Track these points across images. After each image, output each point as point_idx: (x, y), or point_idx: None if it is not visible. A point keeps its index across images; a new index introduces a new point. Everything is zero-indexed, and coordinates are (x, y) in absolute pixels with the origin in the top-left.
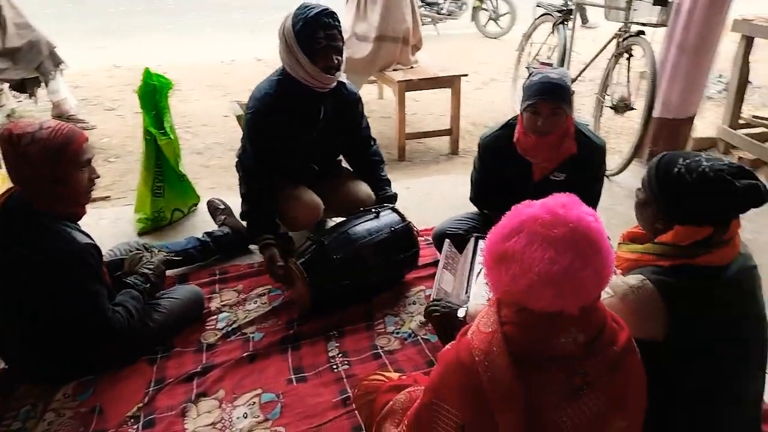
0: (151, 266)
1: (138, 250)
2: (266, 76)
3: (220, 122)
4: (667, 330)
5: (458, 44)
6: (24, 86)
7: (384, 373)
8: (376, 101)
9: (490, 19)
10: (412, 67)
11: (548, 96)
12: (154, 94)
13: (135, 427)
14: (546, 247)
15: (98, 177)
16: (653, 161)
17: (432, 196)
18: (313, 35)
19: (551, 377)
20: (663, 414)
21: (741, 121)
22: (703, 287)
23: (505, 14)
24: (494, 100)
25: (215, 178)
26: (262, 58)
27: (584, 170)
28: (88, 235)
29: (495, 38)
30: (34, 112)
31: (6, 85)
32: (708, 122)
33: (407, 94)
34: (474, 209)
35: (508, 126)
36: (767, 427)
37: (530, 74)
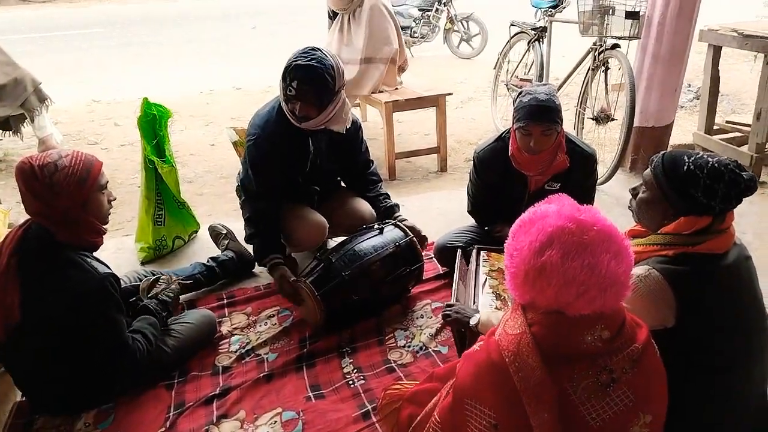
0: (171, 294)
1: (147, 276)
2: (265, 103)
3: (208, 151)
4: (677, 315)
5: (433, 66)
6: (8, 124)
7: (406, 383)
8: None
9: (462, 40)
10: (396, 89)
11: (538, 118)
12: (153, 124)
13: None
14: (582, 254)
15: (115, 199)
16: (656, 161)
17: (428, 211)
18: (288, 82)
19: (580, 374)
20: (679, 392)
21: (715, 127)
22: (706, 272)
23: (476, 35)
24: (475, 118)
25: (210, 206)
26: (240, 86)
27: (578, 179)
28: (106, 265)
29: (468, 59)
30: (18, 149)
31: None
32: (682, 129)
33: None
34: (471, 221)
35: (502, 139)
36: None
37: (519, 93)
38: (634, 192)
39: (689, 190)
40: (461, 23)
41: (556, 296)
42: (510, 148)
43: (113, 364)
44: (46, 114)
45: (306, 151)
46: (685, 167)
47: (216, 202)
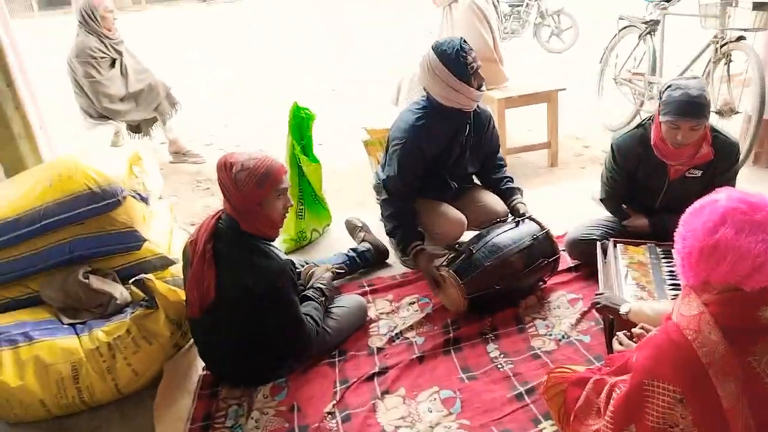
0: (324, 281)
1: (303, 265)
2: (406, 108)
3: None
4: None
5: (524, 62)
6: (140, 127)
7: (570, 366)
8: None
9: (553, 34)
10: (505, 86)
11: (689, 114)
12: (301, 125)
13: (334, 422)
14: (756, 231)
15: (291, 205)
16: None
17: (544, 205)
18: (467, 61)
19: (764, 347)
20: None
21: None
22: None
23: (567, 29)
24: (577, 113)
25: (342, 199)
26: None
27: (721, 167)
28: (283, 252)
29: (559, 53)
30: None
31: (124, 126)
32: None
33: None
34: (603, 214)
35: (643, 126)
36: None
37: (668, 86)
38: None
39: None
40: (552, 18)
41: (732, 270)
42: (653, 137)
43: (291, 341)
44: (176, 116)
45: (461, 136)
46: None
47: (347, 196)
